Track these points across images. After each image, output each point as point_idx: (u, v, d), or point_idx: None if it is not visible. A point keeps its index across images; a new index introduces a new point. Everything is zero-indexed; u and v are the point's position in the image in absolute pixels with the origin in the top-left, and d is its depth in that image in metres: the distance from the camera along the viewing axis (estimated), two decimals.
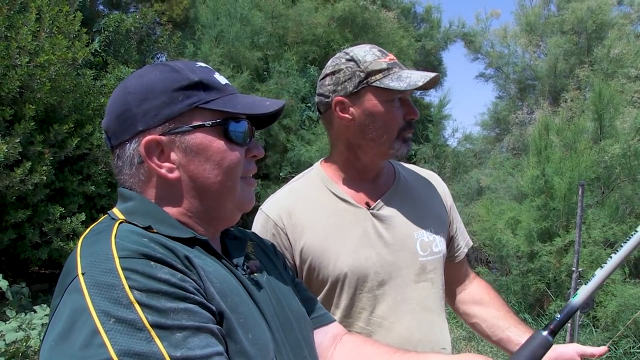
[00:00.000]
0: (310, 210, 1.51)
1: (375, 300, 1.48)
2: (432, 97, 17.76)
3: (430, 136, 9.65)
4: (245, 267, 1.04)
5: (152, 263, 0.81)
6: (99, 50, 8.15)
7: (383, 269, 1.48)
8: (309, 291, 1.25)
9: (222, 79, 1.02)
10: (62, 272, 0.86)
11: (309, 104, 10.78)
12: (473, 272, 1.86)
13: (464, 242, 1.78)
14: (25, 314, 5.17)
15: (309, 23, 11.52)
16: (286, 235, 1.48)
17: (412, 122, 1.47)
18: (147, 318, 0.76)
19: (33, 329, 4.86)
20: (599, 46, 10.24)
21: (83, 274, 0.79)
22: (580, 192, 4.98)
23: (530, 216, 6.07)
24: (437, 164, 9.39)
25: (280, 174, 10.19)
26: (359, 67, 1.43)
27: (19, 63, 5.60)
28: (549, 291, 5.80)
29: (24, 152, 5.75)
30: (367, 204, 1.52)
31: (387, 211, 1.53)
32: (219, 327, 0.85)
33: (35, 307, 5.34)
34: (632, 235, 1.14)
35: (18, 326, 4.83)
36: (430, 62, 15.61)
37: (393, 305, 1.49)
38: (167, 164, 0.97)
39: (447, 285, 1.71)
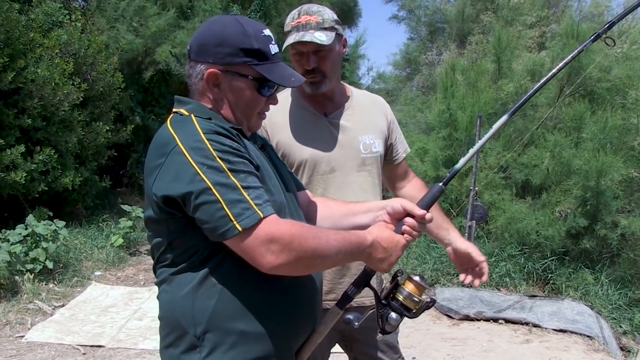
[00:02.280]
0: (285, 116, 2.14)
1: (326, 183, 2.12)
2: (348, 37, 18.30)
3: (346, 74, 10.27)
4: (261, 147, 1.63)
5: (221, 136, 1.37)
6: None
7: (333, 159, 2.12)
8: (290, 170, 1.88)
9: (274, 49, 1.53)
10: (158, 144, 1.40)
11: None
12: (413, 173, 2.47)
13: (402, 149, 2.39)
14: None
15: None
16: (267, 132, 2.10)
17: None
18: (225, 165, 1.32)
19: None
20: None
21: (182, 142, 1.34)
22: (478, 123, 5.82)
23: (436, 145, 6.90)
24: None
25: None
26: None
27: None
28: (452, 210, 6.68)
29: None
30: (325, 114, 2.15)
31: (340, 120, 2.16)
32: (258, 174, 1.43)
33: None
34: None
35: None
36: (345, 2, 16.10)
37: (340, 187, 2.12)
38: (215, 89, 1.50)
39: (390, 181, 2.40)
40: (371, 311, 1.58)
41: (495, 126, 1.68)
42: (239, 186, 1.30)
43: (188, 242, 1.40)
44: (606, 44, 1.84)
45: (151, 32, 9.69)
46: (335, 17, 2.09)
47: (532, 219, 5.67)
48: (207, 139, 1.33)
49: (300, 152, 2.09)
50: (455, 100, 6.86)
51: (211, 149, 1.32)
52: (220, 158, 1.31)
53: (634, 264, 5.39)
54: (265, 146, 1.66)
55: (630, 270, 5.37)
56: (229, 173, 1.31)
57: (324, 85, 2.08)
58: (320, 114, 2.15)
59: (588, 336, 4.61)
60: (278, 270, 1.32)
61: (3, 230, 5.81)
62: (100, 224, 7.75)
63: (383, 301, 1.55)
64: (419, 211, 1.54)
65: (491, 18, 10.35)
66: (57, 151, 7.18)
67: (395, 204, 1.59)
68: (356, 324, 1.55)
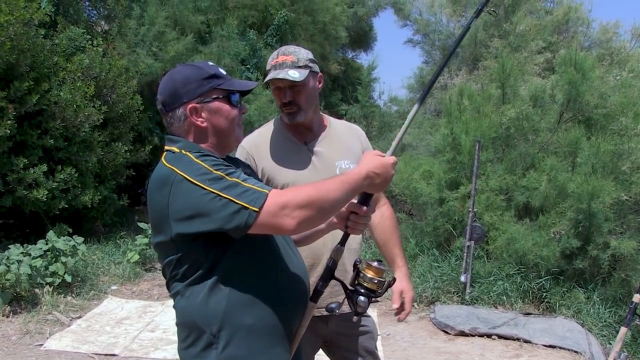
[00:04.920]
0: (269, 144, 2.44)
1: None
2: (363, 60, 18.64)
3: (359, 97, 10.56)
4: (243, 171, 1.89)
5: (211, 157, 1.65)
6: (47, 11, 8.52)
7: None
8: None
9: (223, 71, 1.83)
10: (159, 179, 1.64)
11: (248, 66, 11.45)
12: (385, 200, 2.70)
13: None
14: (2, 252, 5.83)
15: None
16: (253, 159, 2.40)
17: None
18: (222, 172, 1.57)
19: (12, 264, 5.54)
20: (507, 22, 11.35)
21: (182, 171, 1.60)
22: (477, 147, 6.06)
23: (440, 168, 7.14)
24: (365, 124, 10.33)
25: None
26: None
27: None
28: (454, 231, 6.90)
29: None
30: (305, 142, 2.44)
31: (318, 148, 2.44)
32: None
33: (9, 246, 6.01)
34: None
35: None
36: (361, 27, 16.46)
37: None
38: (200, 119, 1.76)
39: None
40: (344, 297, 1.85)
41: (410, 115, 1.88)
42: (240, 181, 1.58)
43: (193, 255, 1.64)
44: (489, 13, 2.14)
45: (170, 56, 10.04)
46: (310, 56, 2.38)
47: (529, 239, 5.87)
48: (201, 161, 1.62)
49: (282, 176, 2.37)
50: (460, 125, 7.11)
51: (207, 166, 1.60)
52: (216, 170, 1.59)
53: (624, 283, 5.57)
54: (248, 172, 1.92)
55: (621, 290, 5.55)
56: (227, 177, 1.58)
57: (300, 116, 2.36)
58: (301, 143, 2.44)
59: (576, 351, 4.80)
60: (301, 228, 1.57)
61: (25, 245, 6.12)
62: (118, 241, 8.00)
63: (350, 287, 1.82)
64: (359, 209, 1.76)
65: (498, 44, 10.60)
66: (77, 170, 7.52)
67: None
68: (337, 311, 1.83)
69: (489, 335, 5.21)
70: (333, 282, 1.85)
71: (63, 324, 5.45)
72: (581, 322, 5.40)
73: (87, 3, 9.81)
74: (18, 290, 5.61)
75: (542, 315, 5.62)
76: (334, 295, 2.29)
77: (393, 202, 8.48)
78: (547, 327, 5.23)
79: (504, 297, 5.92)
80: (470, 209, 6.01)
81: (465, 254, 5.92)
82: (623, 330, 3.46)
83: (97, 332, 5.29)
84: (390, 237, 2.63)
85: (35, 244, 6.18)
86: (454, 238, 6.90)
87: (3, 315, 5.39)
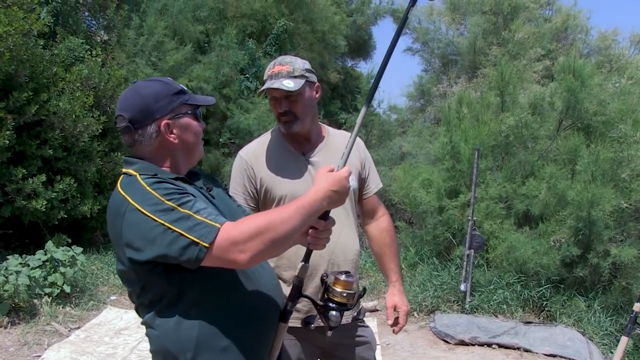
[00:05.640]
0: (269, 155, 2.43)
1: None
2: (362, 69, 18.66)
3: (358, 106, 10.56)
4: (204, 186, 1.85)
5: (163, 183, 1.60)
6: (46, 21, 8.54)
7: None
8: (239, 205, 2.11)
9: (185, 88, 1.83)
10: (113, 207, 1.62)
11: (247, 75, 11.47)
12: (384, 211, 2.70)
13: (374, 185, 2.64)
14: (1, 262, 5.81)
15: None
16: (252, 169, 2.40)
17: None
18: (174, 203, 1.52)
19: (10, 274, 5.52)
20: (506, 30, 11.37)
21: (133, 200, 1.57)
22: (476, 155, 6.05)
23: (440, 177, 7.13)
24: (364, 132, 10.33)
25: (220, 140, 10.88)
26: None
27: None
28: (454, 240, 6.89)
29: None
30: (303, 153, 2.43)
31: (316, 158, 2.43)
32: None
33: (8, 256, 5.99)
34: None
35: None
36: (360, 36, 16.49)
37: None
38: (172, 135, 1.75)
39: (361, 216, 2.68)
40: (316, 312, 1.83)
41: (359, 120, 1.84)
42: (191, 213, 1.53)
43: (156, 283, 1.61)
44: None
45: (169, 66, 10.08)
46: (307, 66, 2.37)
47: (529, 248, 5.85)
48: (153, 190, 1.57)
49: (280, 187, 2.36)
50: (459, 133, 7.11)
51: (158, 196, 1.56)
52: (168, 200, 1.55)
53: (625, 292, 5.55)
54: (213, 188, 1.89)
55: (622, 298, 5.53)
56: (179, 208, 1.54)
57: (296, 125, 2.36)
58: (299, 153, 2.43)
59: None
60: (255, 261, 1.54)
61: (24, 256, 6.10)
62: None
63: (320, 302, 1.79)
64: (318, 224, 1.71)
65: (497, 52, 10.61)
66: (76, 180, 7.51)
67: None
68: (313, 325, 1.85)
69: (489, 345, 5.18)
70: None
71: (62, 335, 5.42)
72: (582, 330, 5.38)
73: (86, 13, 9.84)
74: (16, 300, 5.58)
75: (543, 324, 5.59)
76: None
77: (392, 210, 8.47)
78: (547, 335, 5.20)
79: (504, 306, 5.90)
80: (469, 217, 6.00)
81: (465, 262, 5.90)
82: (624, 339, 3.44)
83: (95, 343, 5.26)
84: (387, 251, 2.63)
85: (34, 254, 6.16)
86: (453, 246, 6.89)
87: (1, 326, 5.35)
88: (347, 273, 1.79)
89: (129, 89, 1.79)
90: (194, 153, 1.81)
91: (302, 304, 2.15)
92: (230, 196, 2.04)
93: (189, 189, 1.67)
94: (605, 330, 5.36)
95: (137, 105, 1.71)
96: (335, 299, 1.76)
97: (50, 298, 5.88)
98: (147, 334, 1.72)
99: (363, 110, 1.82)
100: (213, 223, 1.52)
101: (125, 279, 1.70)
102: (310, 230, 1.73)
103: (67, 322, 5.70)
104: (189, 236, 1.50)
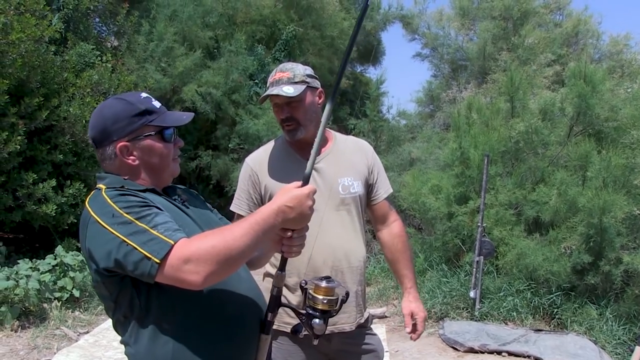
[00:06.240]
0: (273, 162, 2.44)
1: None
2: (371, 74, 18.63)
3: (367, 112, 10.55)
4: (179, 198, 1.83)
5: (126, 196, 1.59)
6: (57, 28, 8.60)
7: (315, 200, 2.38)
8: (221, 217, 2.03)
9: (157, 104, 1.78)
10: (81, 222, 1.62)
11: (256, 81, 11.48)
12: (395, 216, 2.68)
13: (384, 190, 2.62)
14: (12, 267, 5.85)
15: (257, 4, 12.18)
16: (257, 175, 2.42)
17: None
18: (132, 217, 1.50)
19: (21, 279, 5.55)
20: (516, 35, 11.32)
21: (95, 213, 1.56)
22: (486, 161, 6.02)
23: (449, 183, 7.09)
24: (373, 138, 10.30)
25: (229, 145, 10.89)
26: None
27: None
28: (463, 246, 6.85)
29: None
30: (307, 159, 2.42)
31: (321, 165, 2.42)
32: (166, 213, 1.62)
33: (18, 261, 6.03)
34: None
35: (7, 276, 5.49)
36: (370, 42, 16.45)
37: (320, 224, 2.33)
38: (131, 157, 1.73)
39: (372, 222, 2.67)
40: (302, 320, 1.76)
41: (324, 118, 1.76)
42: (148, 228, 1.50)
43: (126, 295, 1.59)
44: None
45: (178, 71, 10.12)
46: (308, 72, 2.38)
47: (539, 255, 5.80)
48: (114, 202, 1.56)
49: None
50: (468, 139, 7.07)
51: (117, 208, 1.54)
52: (127, 213, 1.53)
53: (638, 300, 5.48)
54: (188, 200, 1.88)
55: (635, 307, 5.45)
56: (136, 222, 1.51)
57: (299, 132, 2.37)
58: (304, 160, 2.42)
59: None
60: (207, 283, 1.47)
61: (34, 260, 6.15)
62: None
63: (302, 311, 1.74)
64: (284, 234, 1.67)
65: (507, 57, 10.57)
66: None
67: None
68: (300, 335, 1.78)
69: (499, 352, 5.13)
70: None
71: (71, 339, 5.44)
72: (594, 339, 5.31)
73: (97, 20, 9.92)
74: (26, 305, 5.62)
75: (554, 331, 5.53)
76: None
77: (402, 216, 8.31)
78: (558, 344, 5.14)
79: (514, 313, 5.85)
80: (479, 224, 5.96)
81: (474, 269, 5.86)
82: (638, 349, 3.39)
83: (104, 348, 5.26)
84: (400, 257, 2.62)
85: (44, 258, 6.21)
86: (463, 253, 6.85)
87: (11, 330, 5.39)
88: (327, 278, 1.74)
89: (98, 106, 1.80)
90: (160, 174, 1.79)
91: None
92: (212, 210, 1.99)
93: (157, 201, 1.65)
94: (618, 339, 5.29)
95: (98, 126, 1.72)
96: (318, 307, 1.71)
97: (60, 302, 5.91)
98: (125, 354, 1.68)
99: (328, 107, 1.73)
100: (167, 239, 1.48)
101: (99, 294, 1.68)
102: (282, 238, 1.68)
103: (76, 327, 5.72)
104: (141, 250, 1.48)
